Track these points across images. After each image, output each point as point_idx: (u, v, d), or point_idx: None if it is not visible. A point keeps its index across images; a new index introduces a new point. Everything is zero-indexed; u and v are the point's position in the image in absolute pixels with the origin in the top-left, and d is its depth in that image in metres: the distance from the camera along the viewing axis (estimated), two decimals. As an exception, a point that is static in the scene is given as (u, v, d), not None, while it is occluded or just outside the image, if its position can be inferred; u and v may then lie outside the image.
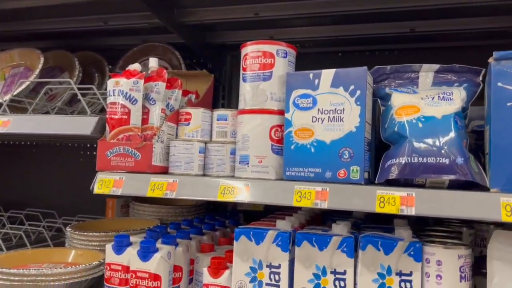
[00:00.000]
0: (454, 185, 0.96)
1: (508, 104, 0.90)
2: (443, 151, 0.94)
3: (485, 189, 0.93)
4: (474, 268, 1.02)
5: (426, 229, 1.21)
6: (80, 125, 1.22)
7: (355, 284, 1.01)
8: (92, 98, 1.60)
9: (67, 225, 1.60)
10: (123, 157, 1.17)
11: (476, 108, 1.18)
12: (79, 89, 1.41)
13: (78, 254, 1.41)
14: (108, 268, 1.19)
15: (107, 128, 1.21)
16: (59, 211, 2.09)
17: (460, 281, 0.95)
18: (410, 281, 0.97)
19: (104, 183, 1.16)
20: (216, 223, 1.51)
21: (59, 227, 1.91)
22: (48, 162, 2.30)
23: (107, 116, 1.21)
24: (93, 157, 2.21)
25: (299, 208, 1.47)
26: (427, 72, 1.11)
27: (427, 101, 1.02)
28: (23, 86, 1.51)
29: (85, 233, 1.43)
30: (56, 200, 2.23)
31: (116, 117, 1.19)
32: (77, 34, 1.88)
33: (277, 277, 1.04)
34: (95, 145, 2.18)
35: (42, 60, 1.59)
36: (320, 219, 1.46)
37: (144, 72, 1.23)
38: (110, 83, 1.21)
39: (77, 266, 1.22)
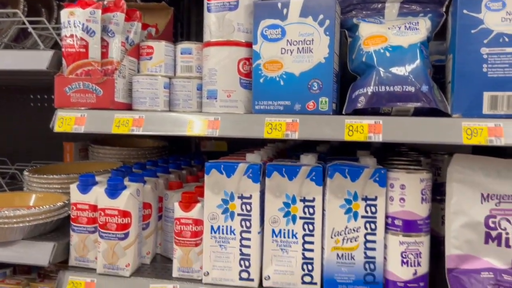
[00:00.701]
0: (419, 113, 1.00)
1: (473, 31, 0.92)
2: (409, 80, 0.97)
3: (446, 115, 0.97)
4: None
5: (387, 159, 1.26)
6: (34, 59, 1.13)
7: (323, 210, 1.05)
8: (42, 33, 1.48)
9: (22, 171, 1.53)
10: (84, 93, 1.11)
11: (434, 43, 1.20)
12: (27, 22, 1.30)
13: (39, 198, 1.37)
14: (75, 208, 1.16)
15: (64, 62, 1.13)
16: (11, 158, 2.00)
17: (422, 202, 1.01)
18: (375, 205, 1.03)
19: (65, 121, 1.10)
20: (181, 162, 1.51)
21: (14, 173, 1.84)
22: (-5, 107, 2.16)
23: (62, 50, 1.13)
24: (44, 100, 2.10)
25: (264, 145, 1.48)
26: (393, 3, 1.11)
27: (394, 31, 1.03)
28: (-38, 20, 1.37)
29: (45, 176, 1.38)
30: (7, 147, 2.12)
31: (73, 50, 1.11)
32: (17, -36, 1.70)
33: (248, 207, 1.06)
34: (45, 87, 2.07)
35: (-20, -9, 1.44)
36: (285, 154, 1.48)
37: (100, 2, 1.15)
38: (64, 13, 1.13)
39: (41, 207, 1.18)
